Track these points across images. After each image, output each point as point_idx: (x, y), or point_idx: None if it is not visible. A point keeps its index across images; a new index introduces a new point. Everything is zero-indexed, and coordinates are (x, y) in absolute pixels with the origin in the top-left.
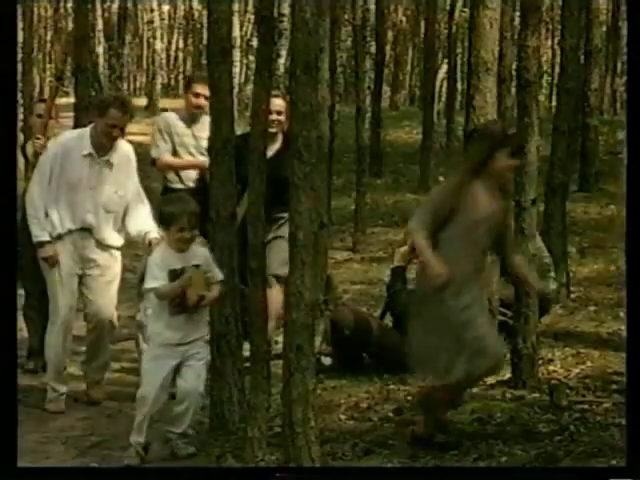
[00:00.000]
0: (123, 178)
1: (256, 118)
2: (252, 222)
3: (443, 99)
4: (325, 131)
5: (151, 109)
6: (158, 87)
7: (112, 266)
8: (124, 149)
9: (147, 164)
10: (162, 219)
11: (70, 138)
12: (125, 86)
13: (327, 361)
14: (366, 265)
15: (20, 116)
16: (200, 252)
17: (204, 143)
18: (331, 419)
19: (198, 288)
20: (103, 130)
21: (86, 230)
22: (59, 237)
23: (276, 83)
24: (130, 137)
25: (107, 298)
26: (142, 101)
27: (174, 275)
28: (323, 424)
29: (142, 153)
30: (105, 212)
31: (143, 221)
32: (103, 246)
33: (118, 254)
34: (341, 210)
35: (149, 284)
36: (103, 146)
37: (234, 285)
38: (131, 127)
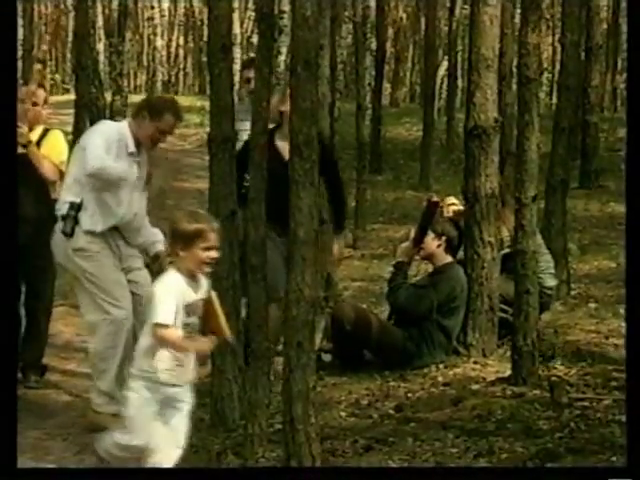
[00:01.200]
0: (145, 180)
1: (257, 115)
2: (252, 219)
3: (444, 96)
4: (325, 128)
5: None
6: (159, 84)
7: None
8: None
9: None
10: (183, 237)
11: (113, 132)
12: (126, 83)
13: (327, 358)
14: (366, 262)
15: None
16: (204, 281)
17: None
18: (331, 416)
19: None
20: (152, 135)
21: (117, 230)
22: (94, 235)
23: (276, 80)
24: None
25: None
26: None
27: (190, 310)
28: (323, 421)
29: None
30: (138, 214)
31: (150, 229)
32: (133, 246)
33: None
34: None
35: (162, 318)
36: (140, 148)
37: (235, 282)
38: None
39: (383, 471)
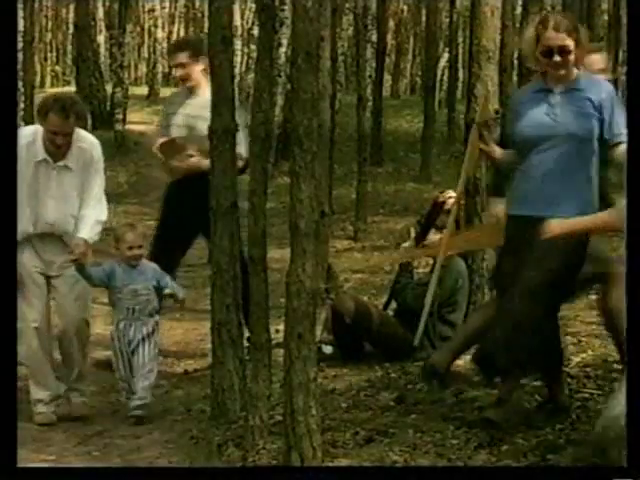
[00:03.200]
0: (85, 180)
1: (258, 107)
2: (253, 211)
3: (444, 88)
4: (326, 120)
5: (152, 98)
6: (159, 76)
7: None
8: (85, 149)
9: (148, 153)
10: None
11: (20, 141)
12: (126, 75)
13: (328, 349)
14: (367, 254)
15: (21, 105)
16: None
17: (199, 124)
18: (332, 407)
19: None
20: (47, 137)
21: (48, 234)
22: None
23: (277, 72)
24: (132, 126)
25: (77, 301)
26: (143, 90)
27: None
28: (324, 412)
29: (143, 142)
30: (72, 218)
31: (81, 226)
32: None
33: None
34: (342, 199)
35: None
36: (54, 151)
37: (235, 274)
38: (133, 116)
39: (381, 470)
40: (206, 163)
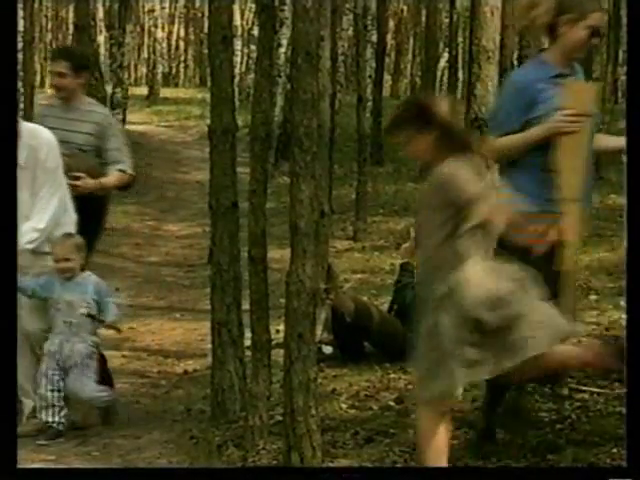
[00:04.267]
0: (35, 178)
1: (257, 107)
2: (253, 211)
3: (444, 88)
4: (326, 120)
5: (152, 98)
6: (159, 76)
7: None
8: (34, 147)
9: (148, 153)
10: None
11: None
12: (126, 75)
13: (328, 350)
14: (367, 254)
15: (21, 105)
16: None
17: (76, 137)
18: (332, 408)
19: None
20: None
21: None
22: None
23: (277, 72)
24: (131, 126)
25: (31, 313)
26: (143, 90)
27: None
28: (324, 413)
29: (143, 142)
30: (24, 219)
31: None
32: (37, 254)
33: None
34: (342, 199)
35: None
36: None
37: (236, 274)
38: (133, 117)
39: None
40: (92, 183)
